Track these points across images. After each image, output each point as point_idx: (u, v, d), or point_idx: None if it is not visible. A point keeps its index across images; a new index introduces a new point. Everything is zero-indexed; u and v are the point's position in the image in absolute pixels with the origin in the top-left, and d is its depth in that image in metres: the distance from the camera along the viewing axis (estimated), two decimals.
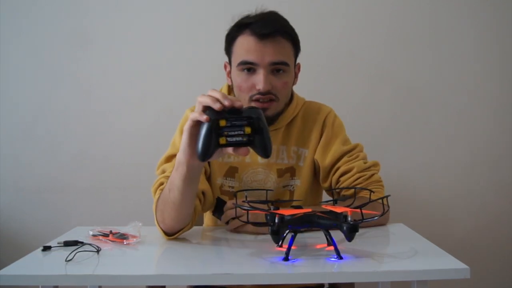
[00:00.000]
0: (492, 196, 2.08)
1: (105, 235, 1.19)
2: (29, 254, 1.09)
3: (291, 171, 1.38)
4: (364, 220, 1.01)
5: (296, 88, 1.45)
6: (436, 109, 2.07)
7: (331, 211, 1.05)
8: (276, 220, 1.00)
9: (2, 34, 2.02)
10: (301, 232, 1.11)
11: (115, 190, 2.04)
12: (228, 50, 1.32)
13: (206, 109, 0.98)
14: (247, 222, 1.06)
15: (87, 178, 2.04)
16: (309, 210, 1.06)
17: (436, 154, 2.08)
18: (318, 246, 1.10)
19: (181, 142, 1.04)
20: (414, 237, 1.21)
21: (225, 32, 1.32)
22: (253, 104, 1.26)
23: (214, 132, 0.96)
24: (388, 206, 1.09)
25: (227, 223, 1.26)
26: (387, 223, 1.33)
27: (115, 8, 2.03)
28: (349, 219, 1.00)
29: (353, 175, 1.33)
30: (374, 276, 0.95)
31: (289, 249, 1.00)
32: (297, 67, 1.38)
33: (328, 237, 1.06)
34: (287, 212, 1.02)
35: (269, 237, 1.01)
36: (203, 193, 1.29)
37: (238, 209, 1.14)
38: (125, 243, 1.15)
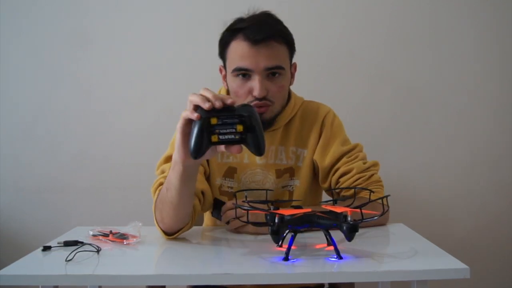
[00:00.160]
0: (492, 196, 2.08)
1: (105, 235, 1.19)
2: (29, 254, 1.09)
3: (290, 172, 1.38)
4: (364, 220, 1.01)
5: (296, 88, 1.45)
6: (436, 109, 2.07)
7: (331, 211, 1.05)
8: (276, 220, 1.00)
9: (2, 34, 2.02)
10: (301, 232, 1.11)
11: (115, 190, 2.04)
12: (222, 55, 1.32)
13: (198, 107, 0.98)
14: (247, 222, 1.06)
15: (87, 178, 2.04)
16: (309, 210, 1.06)
17: (436, 154, 2.08)
18: (318, 246, 1.10)
19: (175, 142, 1.04)
20: (414, 237, 1.21)
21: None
22: None
23: (206, 130, 0.96)
24: (388, 206, 1.09)
25: (227, 223, 1.26)
26: (387, 223, 1.33)
27: (115, 8, 2.03)
28: (349, 219, 1.00)
29: (352, 176, 1.33)
30: (374, 276, 0.95)
31: (289, 249, 1.00)
32: (293, 67, 1.37)
33: (328, 237, 1.06)
34: (287, 212, 1.02)
35: (269, 237, 1.01)
36: (202, 193, 1.29)
37: (238, 209, 1.14)
38: (125, 243, 1.15)
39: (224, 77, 1.34)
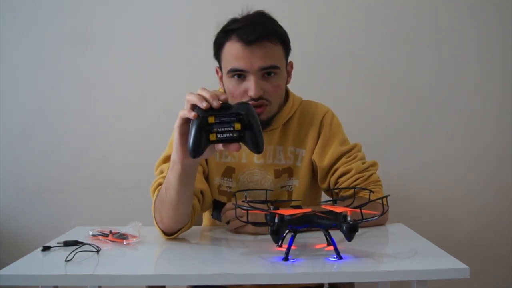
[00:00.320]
0: (492, 196, 2.08)
1: (105, 235, 1.19)
2: (29, 254, 1.09)
3: (289, 172, 1.38)
4: (364, 220, 1.01)
5: (295, 88, 1.45)
6: (436, 109, 2.07)
7: (330, 211, 1.05)
8: (276, 220, 1.00)
9: (2, 34, 2.02)
10: (301, 232, 1.11)
11: (115, 190, 2.04)
12: (217, 56, 1.32)
13: (195, 107, 0.98)
14: (247, 222, 1.06)
15: (87, 178, 2.04)
16: (309, 210, 1.06)
17: (436, 154, 2.08)
18: (318, 246, 1.10)
19: (173, 141, 1.04)
20: (413, 237, 1.21)
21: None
22: None
23: (204, 129, 0.96)
24: (388, 206, 1.09)
25: (227, 223, 1.25)
26: (386, 223, 1.33)
27: (115, 8, 2.03)
28: (348, 219, 1.00)
29: (351, 177, 1.33)
30: (374, 276, 0.95)
31: (289, 249, 1.00)
32: (290, 66, 1.37)
33: (327, 237, 1.06)
34: (286, 212, 1.02)
35: (268, 237, 1.01)
36: (201, 192, 1.29)
37: (238, 209, 1.14)
38: (125, 243, 1.15)
39: (221, 78, 1.34)
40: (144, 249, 1.13)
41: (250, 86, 1.24)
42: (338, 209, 1.03)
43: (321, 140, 1.38)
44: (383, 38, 2.04)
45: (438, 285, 1.10)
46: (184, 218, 1.18)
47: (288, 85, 1.41)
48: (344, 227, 0.99)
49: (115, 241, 1.17)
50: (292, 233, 1.04)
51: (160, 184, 1.23)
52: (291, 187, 1.38)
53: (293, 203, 1.29)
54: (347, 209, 1.01)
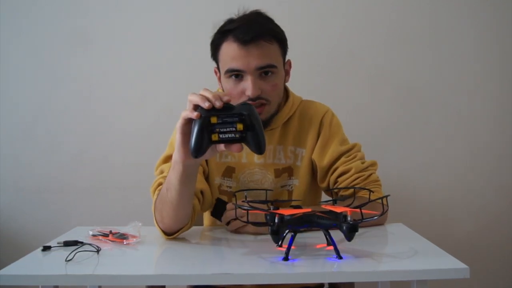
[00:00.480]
0: (492, 196, 2.08)
1: (105, 235, 1.19)
2: (29, 254, 1.09)
3: (289, 171, 1.38)
4: (364, 220, 1.01)
5: (296, 88, 1.45)
6: (436, 109, 2.07)
7: (330, 211, 1.05)
8: (276, 220, 1.00)
9: (2, 34, 2.02)
10: (301, 232, 1.11)
11: (115, 190, 2.04)
12: (215, 57, 1.32)
13: (197, 107, 0.99)
14: (247, 222, 1.06)
15: (87, 178, 2.04)
16: (309, 210, 1.06)
17: (436, 154, 2.08)
18: (318, 246, 1.10)
19: (175, 141, 1.04)
20: (413, 237, 1.21)
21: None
22: None
23: (206, 129, 0.96)
24: (388, 206, 1.09)
25: (227, 224, 1.25)
26: (385, 222, 1.33)
27: (115, 8, 2.03)
28: (348, 219, 1.00)
29: (351, 176, 1.33)
30: (374, 275, 0.95)
31: (289, 249, 1.00)
32: (288, 64, 1.37)
33: (327, 237, 1.06)
34: (286, 212, 1.02)
35: (269, 237, 1.01)
36: (201, 192, 1.29)
37: (238, 209, 1.14)
38: (125, 243, 1.15)
39: (219, 78, 1.34)
40: (144, 249, 1.13)
41: (248, 86, 1.24)
42: (338, 209, 1.03)
43: (321, 139, 1.38)
44: (383, 38, 2.04)
45: (438, 285, 1.10)
46: (184, 218, 1.18)
47: (288, 85, 1.41)
48: (344, 227, 0.99)
49: (115, 241, 1.17)
50: (292, 233, 1.04)
51: (160, 184, 1.24)
52: (291, 187, 1.38)
53: (293, 203, 1.29)
54: (347, 209, 1.01)
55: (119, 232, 1.20)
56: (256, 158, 1.37)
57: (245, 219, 1.06)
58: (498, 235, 2.09)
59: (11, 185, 2.05)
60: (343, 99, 2.02)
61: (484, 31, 2.05)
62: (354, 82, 2.04)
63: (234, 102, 1.24)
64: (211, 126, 0.97)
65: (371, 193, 1.24)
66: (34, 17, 2.02)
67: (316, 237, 1.15)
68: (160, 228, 1.19)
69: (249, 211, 1.05)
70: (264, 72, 1.26)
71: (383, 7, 2.04)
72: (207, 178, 1.37)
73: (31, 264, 1.03)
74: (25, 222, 2.05)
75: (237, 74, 1.26)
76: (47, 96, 2.04)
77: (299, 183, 1.38)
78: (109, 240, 1.17)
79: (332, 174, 1.36)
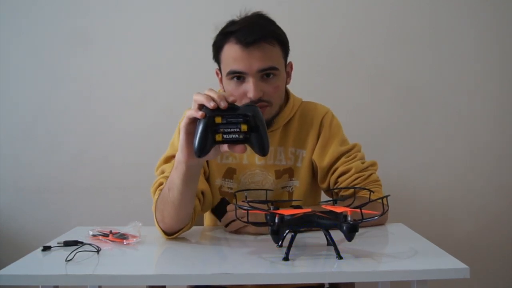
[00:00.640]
0: (492, 196, 2.08)
1: (105, 235, 1.19)
2: (29, 254, 1.09)
3: (289, 172, 1.38)
4: (364, 220, 1.01)
5: (296, 88, 1.45)
6: (436, 109, 2.07)
7: (331, 211, 1.05)
8: (276, 220, 1.00)
9: (2, 34, 2.02)
10: (301, 232, 1.11)
11: (115, 190, 2.04)
12: (217, 58, 1.32)
13: (202, 107, 0.99)
14: (247, 222, 1.06)
15: (87, 178, 2.04)
16: (309, 210, 1.06)
17: (436, 154, 2.08)
18: (318, 246, 1.10)
19: (179, 141, 1.05)
20: (413, 237, 1.21)
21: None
22: None
23: (210, 129, 0.96)
24: (388, 206, 1.09)
25: (226, 225, 1.25)
26: (386, 222, 1.33)
27: (115, 8, 2.03)
28: (349, 219, 1.00)
29: (351, 176, 1.33)
30: (374, 275, 0.95)
31: (289, 249, 1.00)
32: (289, 66, 1.37)
33: (328, 237, 1.06)
34: (287, 212, 1.02)
35: (269, 237, 1.01)
36: (202, 193, 1.29)
37: (238, 210, 1.14)
38: (125, 243, 1.15)
39: (221, 80, 1.34)
40: (144, 249, 1.13)
41: (249, 88, 1.24)
42: (338, 209, 1.03)
43: (321, 140, 1.38)
44: (383, 38, 2.04)
45: (438, 285, 1.10)
46: (185, 218, 1.18)
47: (288, 86, 1.41)
48: (344, 227, 0.99)
49: (115, 241, 1.17)
50: (292, 233, 1.04)
51: (161, 184, 1.24)
52: (292, 188, 1.38)
53: (293, 203, 1.29)
54: (347, 209, 1.01)
55: (119, 232, 1.20)
56: (257, 159, 1.37)
57: (245, 219, 1.06)
58: (498, 235, 2.09)
59: (11, 185, 2.05)
60: (343, 99, 2.02)
61: (484, 31, 2.05)
62: (354, 82, 2.04)
63: (237, 103, 1.25)
64: (216, 126, 0.97)
65: (371, 193, 1.24)
66: (34, 17, 2.02)
67: (316, 237, 1.15)
68: (161, 228, 1.19)
69: (250, 211, 1.05)
70: (265, 74, 1.26)
71: (383, 7, 2.04)
72: (207, 179, 1.37)
73: (31, 264, 1.03)
74: (25, 222, 2.05)
75: (239, 76, 1.26)
76: (47, 96, 2.04)
77: (299, 184, 1.38)
78: (109, 240, 1.17)
79: (332, 175, 1.36)
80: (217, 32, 1.30)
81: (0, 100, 2.03)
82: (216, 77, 1.37)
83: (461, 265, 0.94)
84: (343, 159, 1.36)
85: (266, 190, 1.29)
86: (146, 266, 1.07)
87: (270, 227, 1.00)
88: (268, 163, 1.37)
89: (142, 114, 2.04)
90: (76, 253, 1.04)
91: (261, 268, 0.98)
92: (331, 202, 1.26)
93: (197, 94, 1.00)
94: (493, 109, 2.07)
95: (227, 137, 0.97)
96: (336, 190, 1.36)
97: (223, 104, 0.97)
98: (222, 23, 1.30)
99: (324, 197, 1.48)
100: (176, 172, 1.09)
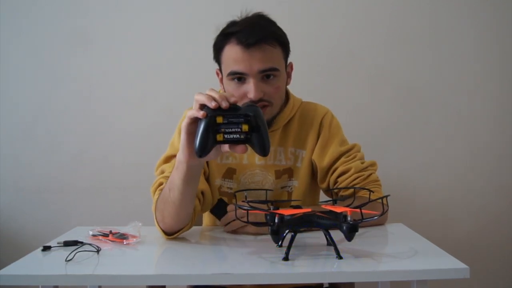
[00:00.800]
0: (492, 196, 2.08)
1: (105, 235, 1.19)
2: (29, 254, 1.09)
3: (289, 172, 1.38)
4: (364, 220, 1.01)
5: (296, 88, 1.45)
6: (436, 109, 2.07)
7: (330, 211, 1.05)
8: (276, 220, 1.00)
9: (2, 34, 2.02)
10: (301, 232, 1.11)
11: (115, 190, 2.04)
12: (217, 59, 1.32)
13: (203, 107, 0.99)
14: (247, 222, 1.06)
15: (87, 178, 2.04)
16: (309, 210, 1.06)
17: (436, 154, 2.08)
18: (318, 246, 1.10)
19: (180, 141, 1.05)
20: (413, 237, 1.21)
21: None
22: None
23: (211, 128, 0.96)
24: (388, 206, 1.09)
25: (226, 225, 1.25)
26: (386, 222, 1.33)
27: (115, 8, 2.03)
28: (348, 219, 1.00)
29: (350, 176, 1.34)
30: (374, 275, 0.95)
31: (289, 249, 1.00)
32: (290, 67, 1.37)
33: (328, 237, 1.06)
34: (287, 212, 1.02)
35: (269, 237, 1.01)
36: (202, 193, 1.29)
37: (238, 210, 1.14)
38: (125, 243, 1.16)
39: (221, 80, 1.34)
40: (144, 249, 1.13)
41: (250, 89, 1.24)
42: (338, 209, 1.03)
43: (320, 140, 1.38)
44: (383, 38, 2.04)
45: (438, 285, 1.10)
46: (186, 218, 1.18)
47: (288, 86, 1.41)
48: (344, 227, 0.99)
49: (115, 241, 1.17)
50: (292, 233, 1.04)
51: (161, 184, 1.24)
52: (291, 188, 1.39)
53: (293, 203, 1.29)
54: (347, 209, 1.01)
55: (119, 232, 1.20)
56: (257, 159, 1.37)
57: (245, 219, 1.06)
58: (498, 235, 2.09)
59: (11, 185, 2.05)
60: (343, 99, 2.02)
61: (484, 31, 2.05)
62: (354, 82, 2.04)
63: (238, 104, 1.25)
64: (217, 126, 0.97)
65: (371, 193, 1.24)
66: (34, 17, 2.02)
67: (316, 237, 1.15)
68: (161, 228, 1.19)
69: (249, 211, 1.05)
70: (266, 75, 1.26)
71: (383, 7, 2.04)
72: (207, 179, 1.37)
73: (31, 264, 1.03)
74: (25, 222, 2.05)
75: (239, 77, 1.26)
76: (47, 96, 2.04)
77: (298, 184, 1.38)
78: (109, 240, 1.17)
79: (332, 175, 1.36)
80: (217, 32, 1.30)
81: (0, 100, 2.03)
82: (216, 77, 1.37)
83: (461, 265, 0.94)
84: (342, 159, 1.36)
85: (266, 190, 1.29)
86: (146, 266, 1.07)
87: (270, 227, 1.00)
88: (268, 163, 1.37)
89: (142, 114, 2.04)
90: (76, 253, 1.04)
91: (261, 268, 0.98)
92: (331, 202, 1.26)
93: (199, 94, 1.00)
94: (493, 109, 2.07)
95: (228, 137, 0.97)
96: (335, 190, 1.36)
97: (224, 104, 0.97)
98: (222, 24, 1.30)
99: (323, 197, 1.48)
100: (177, 172, 1.09)
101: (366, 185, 1.33)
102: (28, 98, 2.04)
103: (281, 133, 1.39)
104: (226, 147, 1.00)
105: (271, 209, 1.13)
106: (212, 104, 0.97)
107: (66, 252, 1.05)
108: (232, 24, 1.29)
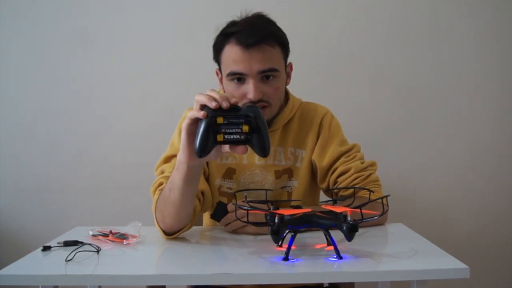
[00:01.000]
0: (492, 196, 2.08)
1: (105, 235, 1.19)
2: (29, 254, 1.09)
3: (289, 172, 1.38)
4: (364, 220, 1.01)
5: (296, 89, 1.45)
6: (436, 109, 2.07)
7: (330, 211, 1.05)
8: (276, 220, 1.00)
9: (2, 34, 2.02)
10: (301, 232, 1.11)
11: (115, 190, 2.04)
12: (217, 59, 1.32)
13: (204, 107, 0.99)
14: (247, 222, 1.06)
15: (87, 178, 2.04)
16: (309, 210, 1.07)
17: (436, 154, 2.08)
18: (318, 246, 1.10)
19: (180, 142, 1.05)
20: (413, 237, 1.21)
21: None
22: None
23: (212, 129, 0.96)
24: (388, 206, 1.09)
25: (226, 225, 1.25)
26: (386, 222, 1.33)
27: (115, 8, 2.03)
28: (348, 219, 1.00)
29: (350, 176, 1.34)
30: (374, 276, 0.95)
31: (289, 249, 1.00)
32: (289, 67, 1.37)
33: (328, 237, 1.06)
34: (286, 212, 1.02)
35: (268, 237, 1.01)
36: (202, 193, 1.29)
37: (238, 210, 1.14)
38: (125, 243, 1.16)
39: (221, 80, 1.34)
40: (144, 249, 1.13)
41: (250, 89, 1.24)
42: (338, 209, 1.03)
43: (320, 140, 1.38)
44: (383, 38, 2.04)
45: (438, 285, 1.10)
46: (186, 218, 1.18)
47: (288, 86, 1.41)
48: (344, 227, 0.99)
49: (115, 241, 1.17)
50: (292, 233, 1.04)
51: (161, 184, 1.24)
52: (291, 188, 1.39)
53: (293, 203, 1.29)
54: (347, 209, 1.01)
55: (119, 232, 1.20)
56: (256, 159, 1.37)
57: (245, 219, 1.06)
58: (498, 235, 2.09)
59: (11, 185, 2.05)
60: (343, 99, 2.02)
61: (484, 31, 2.05)
62: (354, 82, 2.04)
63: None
64: (217, 126, 0.97)
65: (371, 193, 1.24)
66: (34, 17, 2.02)
67: (316, 237, 1.15)
68: (161, 228, 1.19)
69: (249, 211, 1.05)
70: (266, 75, 1.26)
71: (383, 7, 2.04)
72: (207, 179, 1.37)
73: (31, 264, 1.03)
74: (25, 222, 2.05)
75: (239, 77, 1.26)
76: (47, 96, 2.04)
77: (298, 184, 1.38)
78: (109, 240, 1.17)
79: (331, 175, 1.36)
80: (217, 32, 1.30)
81: (0, 100, 2.03)
82: (216, 77, 1.37)
83: (461, 265, 0.94)
84: (342, 159, 1.36)
85: (266, 190, 1.29)
86: (146, 266, 1.07)
87: (270, 227, 1.00)
88: (267, 163, 1.37)
89: (142, 114, 2.04)
90: (76, 253, 1.04)
91: (261, 268, 0.98)
92: (331, 202, 1.26)
93: (199, 95, 1.00)
94: (493, 109, 2.07)
95: (229, 137, 0.97)
96: (335, 190, 1.36)
97: (225, 104, 0.97)
98: (222, 24, 1.30)
99: (322, 197, 1.48)
100: (177, 172, 1.09)
101: (366, 185, 1.33)
102: (28, 98, 2.04)
103: (281, 133, 1.39)
104: (226, 147, 1.00)
105: (271, 209, 1.13)
106: (212, 105, 0.97)
107: (66, 252, 1.05)
108: (232, 24, 1.29)
